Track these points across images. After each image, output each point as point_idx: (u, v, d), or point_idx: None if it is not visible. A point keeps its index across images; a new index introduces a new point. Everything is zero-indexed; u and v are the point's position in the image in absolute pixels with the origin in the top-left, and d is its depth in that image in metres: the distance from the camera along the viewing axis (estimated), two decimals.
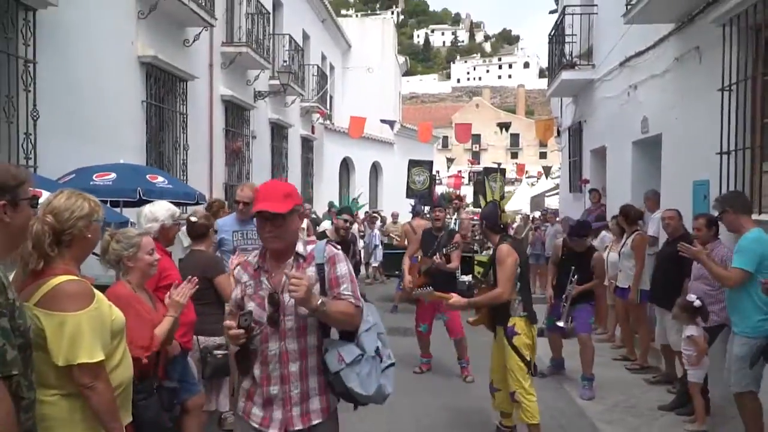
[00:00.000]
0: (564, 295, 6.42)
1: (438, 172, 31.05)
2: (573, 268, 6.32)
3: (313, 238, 2.57)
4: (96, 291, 2.47)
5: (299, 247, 2.63)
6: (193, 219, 4.26)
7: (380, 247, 14.52)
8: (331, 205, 13.98)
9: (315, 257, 2.61)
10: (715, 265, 4.81)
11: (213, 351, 4.32)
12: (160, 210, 3.94)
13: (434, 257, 6.56)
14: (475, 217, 15.39)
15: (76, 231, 2.42)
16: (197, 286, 3.40)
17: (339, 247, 2.68)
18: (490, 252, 11.32)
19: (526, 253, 5.17)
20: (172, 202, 4.48)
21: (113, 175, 6.04)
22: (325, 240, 2.64)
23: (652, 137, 8.14)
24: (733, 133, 5.79)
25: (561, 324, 6.35)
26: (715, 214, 5.05)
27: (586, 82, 11.04)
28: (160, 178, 6.44)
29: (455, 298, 4.82)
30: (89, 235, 2.46)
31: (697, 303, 5.21)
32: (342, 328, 2.60)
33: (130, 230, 3.40)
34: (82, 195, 2.50)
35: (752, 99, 5.65)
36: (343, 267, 2.61)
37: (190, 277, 3.42)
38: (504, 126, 20.13)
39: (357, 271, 14.28)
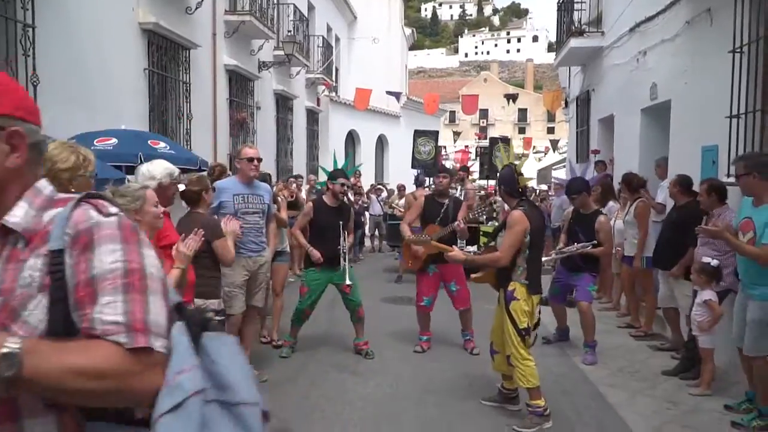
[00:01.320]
0: (565, 247, 6.38)
1: (445, 147, 30.86)
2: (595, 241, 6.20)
3: (69, 196, 1.37)
4: None
5: (14, 215, 1.28)
6: (181, 187, 4.22)
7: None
8: (320, 169, 13.56)
9: (50, 236, 1.25)
10: (741, 243, 4.55)
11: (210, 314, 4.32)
12: (158, 168, 3.89)
13: (456, 223, 6.21)
14: (482, 192, 15.33)
15: (57, 183, 2.34)
16: (202, 239, 3.38)
17: (115, 211, 1.32)
18: (496, 224, 11.31)
19: (543, 221, 5.02)
20: None
21: (114, 140, 6.03)
22: (75, 198, 1.32)
23: (661, 104, 8.02)
24: (744, 96, 5.68)
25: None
26: (726, 177, 4.96)
27: (595, 50, 10.88)
28: (162, 144, 6.42)
29: (455, 251, 4.78)
30: (73, 190, 2.37)
31: (715, 262, 5.17)
32: (96, 405, 1.21)
33: (132, 184, 3.36)
34: (71, 147, 2.43)
35: (764, 60, 5.52)
36: (111, 256, 1.23)
37: (196, 229, 3.40)
38: (511, 97, 19.92)
39: (362, 242, 14.38)
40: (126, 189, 3.26)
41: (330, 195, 6.26)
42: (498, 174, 5.14)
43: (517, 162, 4.95)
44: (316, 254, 5.99)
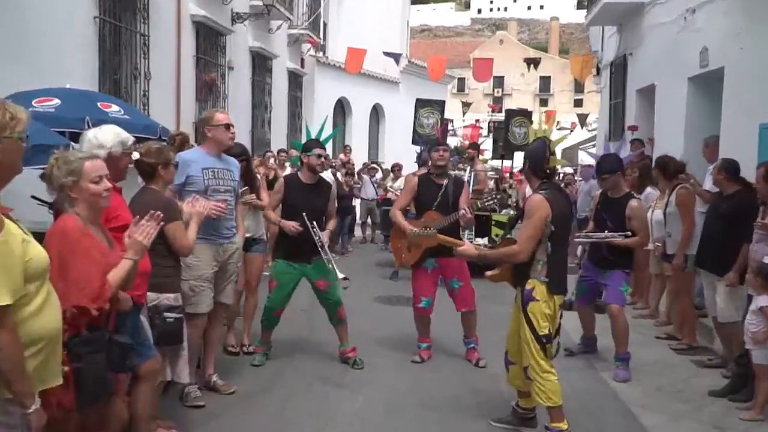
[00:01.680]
0: (593, 231, 6.39)
1: (452, 120, 30.76)
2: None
3: None
4: (9, 222, 2.37)
5: None
6: (135, 155, 4.13)
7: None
8: (294, 145, 13.28)
9: None
10: None
11: (163, 312, 4.26)
12: (108, 135, 3.81)
13: (461, 213, 6.10)
14: (493, 173, 15.29)
15: None
16: (162, 224, 3.33)
17: None
18: (511, 212, 11.24)
19: (569, 208, 4.95)
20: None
21: (57, 102, 5.97)
22: None
23: (712, 72, 8.00)
24: None
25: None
26: None
27: (634, 7, 10.83)
28: (115, 107, 6.36)
29: (466, 245, 4.73)
30: None
31: None
32: None
33: (73, 153, 3.30)
34: None
35: None
36: None
37: (152, 212, 3.34)
38: (532, 63, 19.86)
39: (351, 231, 14.34)
40: (63, 158, 3.20)
41: (305, 170, 6.15)
42: (527, 146, 5.07)
43: (553, 138, 4.88)
44: (289, 225, 5.87)
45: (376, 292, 9.61)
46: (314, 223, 5.93)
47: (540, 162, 4.70)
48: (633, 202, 6.32)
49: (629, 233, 6.18)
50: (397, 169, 14.47)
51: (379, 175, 15.97)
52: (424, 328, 6.63)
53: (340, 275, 5.84)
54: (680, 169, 7.40)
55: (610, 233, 6.21)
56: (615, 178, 6.39)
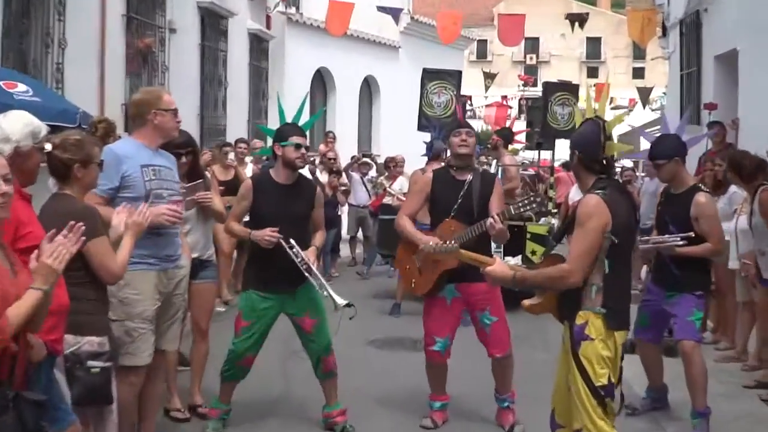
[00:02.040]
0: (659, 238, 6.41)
1: (470, 97, 30.74)
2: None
3: None
4: None
5: None
6: (47, 146, 4.12)
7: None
8: (260, 130, 12.87)
9: None
10: None
11: (85, 361, 4.25)
12: (15, 124, 3.83)
13: (489, 222, 5.91)
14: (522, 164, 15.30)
15: None
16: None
17: None
18: (552, 221, 11.20)
19: (634, 215, 4.90)
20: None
21: None
22: None
23: None
24: None
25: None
26: None
27: None
28: (22, 87, 6.47)
29: (498, 264, 4.73)
30: None
31: None
32: None
33: None
34: None
35: None
36: None
37: (72, 223, 3.34)
38: (577, 20, 19.86)
39: (337, 248, 14.28)
40: None
41: (281, 166, 6.08)
42: (573, 133, 5.06)
43: (608, 118, 4.88)
44: (262, 233, 5.77)
45: (372, 333, 9.55)
46: (291, 241, 5.85)
47: (593, 151, 4.66)
48: (699, 197, 6.25)
49: (692, 234, 6.16)
50: (393, 164, 14.03)
51: (372, 172, 15.83)
52: (438, 380, 6.54)
53: (341, 302, 5.76)
54: (759, 165, 7.42)
55: (671, 237, 6.23)
56: (671, 166, 6.36)
